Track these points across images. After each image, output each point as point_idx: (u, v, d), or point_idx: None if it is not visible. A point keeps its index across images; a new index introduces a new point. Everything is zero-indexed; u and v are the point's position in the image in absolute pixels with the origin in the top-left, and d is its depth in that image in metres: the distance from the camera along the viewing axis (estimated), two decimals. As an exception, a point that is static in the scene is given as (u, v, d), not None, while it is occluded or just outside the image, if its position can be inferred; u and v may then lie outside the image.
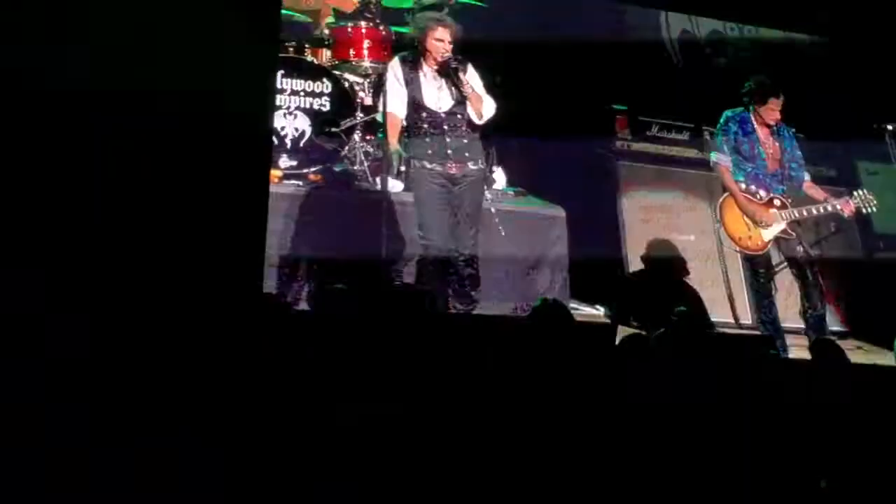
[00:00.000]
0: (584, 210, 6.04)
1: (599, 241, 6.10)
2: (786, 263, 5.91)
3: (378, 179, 5.61)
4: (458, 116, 5.21)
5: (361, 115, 5.85)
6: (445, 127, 5.18)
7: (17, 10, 4.37)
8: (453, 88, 5.19)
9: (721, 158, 5.79)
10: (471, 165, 5.23)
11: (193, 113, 4.63)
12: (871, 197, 5.74)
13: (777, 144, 5.78)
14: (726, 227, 5.87)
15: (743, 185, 5.77)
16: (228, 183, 4.57)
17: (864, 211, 5.79)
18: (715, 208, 6.03)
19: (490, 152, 6.22)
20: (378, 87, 5.90)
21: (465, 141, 5.22)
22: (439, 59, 5.14)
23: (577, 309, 5.63)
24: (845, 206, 5.73)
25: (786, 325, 5.83)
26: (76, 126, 4.31)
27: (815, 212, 5.77)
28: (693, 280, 6.09)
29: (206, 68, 4.65)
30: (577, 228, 5.91)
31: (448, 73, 5.15)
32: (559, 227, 5.88)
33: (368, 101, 5.92)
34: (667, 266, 5.86)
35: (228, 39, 4.80)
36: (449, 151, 5.16)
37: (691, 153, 6.68)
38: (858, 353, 5.78)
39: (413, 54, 5.24)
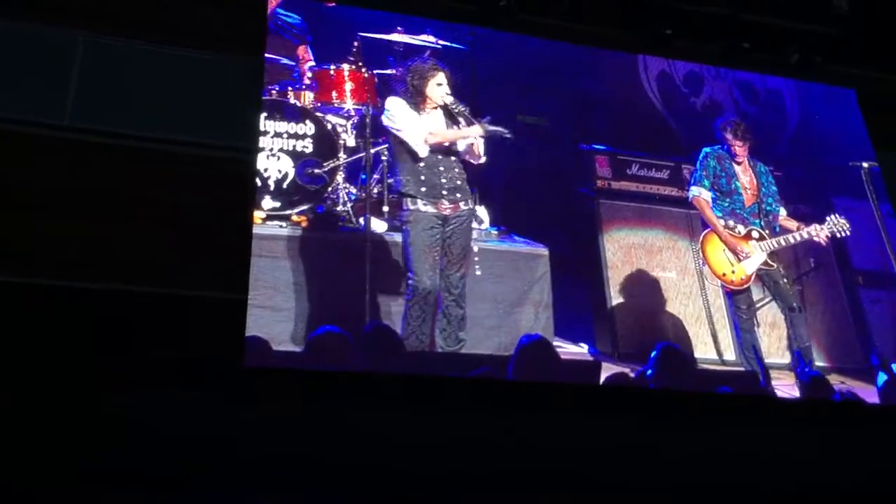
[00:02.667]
0: (566, 249, 6.08)
1: (582, 279, 6.12)
2: (769, 298, 5.96)
3: (361, 220, 5.62)
4: (453, 158, 5.37)
5: (344, 156, 5.89)
6: (441, 168, 5.32)
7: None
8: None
9: (700, 192, 5.88)
10: (462, 206, 5.36)
11: (181, 154, 4.66)
12: (843, 221, 5.84)
13: (754, 180, 5.89)
14: (709, 263, 5.92)
15: (722, 221, 5.85)
16: (213, 223, 4.57)
17: (838, 235, 5.87)
18: (696, 245, 6.09)
19: (473, 192, 6.28)
20: (361, 129, 5.96)
21: (459, 182, 5.36)
22: (441, 103, 5.34)
23: (561, 347, 5.63)
24: (819, 232, 5.81)
25: (768, 360, 5.86)
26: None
27: (792, 240, 5.87)
28: (676, 317, 6.12)
29: (193, 112, 4.69)
30: (560, 267, 5.94)
31: (451, 115, 5.34)
32: (542, 266, 5.90)
33: (351, 142, 5.97)
34: (649, 303, 5.90)
35: (215, 84, 4.85)
36: (444, 192, 5.29)
37: (672, 191, 6.74)
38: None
39: (411, 97, 5.37)
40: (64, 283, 4.20)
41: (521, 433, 4.80)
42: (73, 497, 3.81)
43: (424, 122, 5.34)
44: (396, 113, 5.37)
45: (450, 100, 5.36)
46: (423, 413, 4.70)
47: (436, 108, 5.39)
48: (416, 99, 5.35)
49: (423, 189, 5.25)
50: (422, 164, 5.30)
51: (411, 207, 5.25)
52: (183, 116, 4.62)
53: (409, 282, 5.22)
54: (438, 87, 5.36)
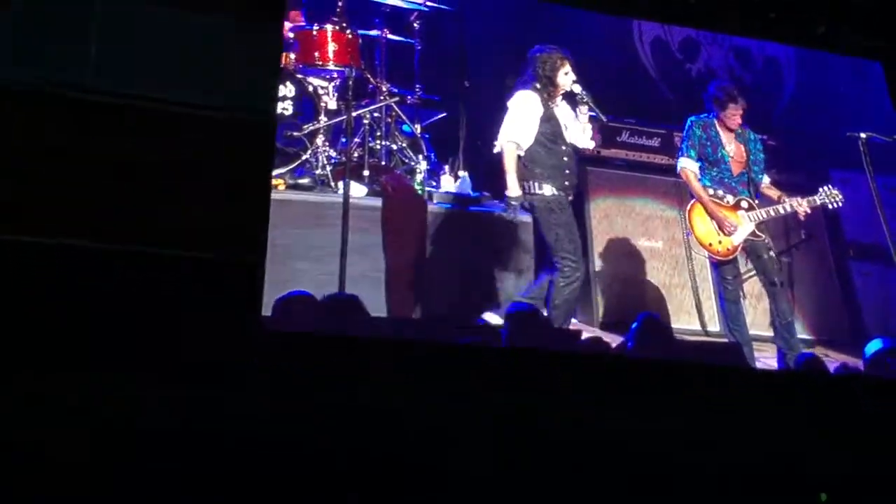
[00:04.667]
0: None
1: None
2: (755, 271, 5.85)
3: (340, 185, 5.53)
4: (573, 148, 5.42)
5: (325, 119, 5.79)
6: (575, 159, 5.42)
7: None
8: (574, 122, 5.40)
9: (687, 164, 5.73)
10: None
11: (194, 116, 4.58)
12: (836, 192, 5.68)
13: (741, 147, 5.73)
14: (696, 234, 5.80)
15: (710, 191, 5.71)
16: (231, 186, 4.49)
17: (830, 206, 5.73)
18: (683, 215, 5.97)
19: (457, 158, 6.19)
20: (343, 91, 5.85)
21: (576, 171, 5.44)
22: (569, 90, 5.37)
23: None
24: (810, 205, 5.68)
25: (753, 331, 5.77)
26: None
27: (781, 211, 5.71)
28: (661, 287, 6.03)
29: (214, 78, 4.61)
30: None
31: (576, 104, 5.39)
32: (525, 233, 5.81)
33: (332, 105, 5.86)
34: (633, 273, 5.82)
35: (236, 51, 4.76)
36: (567, 183, 5.33)
37: (662, 160, 6.63)
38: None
39: (543, 87, 5.34)
40: (68, 243, 4.13)
41: (503, 404, 4.73)
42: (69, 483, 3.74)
43: (556, 119, 5.37)
44: (521, 106, 5.35)
45: (577, 88, 5.36)
46: (409, 380, 4.63)
47: (560, 95, 5.41)
48: (549, 89, 5.35)
49: (567, 183, 5.31)
50: (567, 159, 5.34)
51: (549, 194, 5.25)
52: (199, 79, 4.54)
53: (571, 264, 5.19)
54: (566, 76, 5.36)
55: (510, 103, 5.40)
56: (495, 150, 5.40)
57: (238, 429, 4.03)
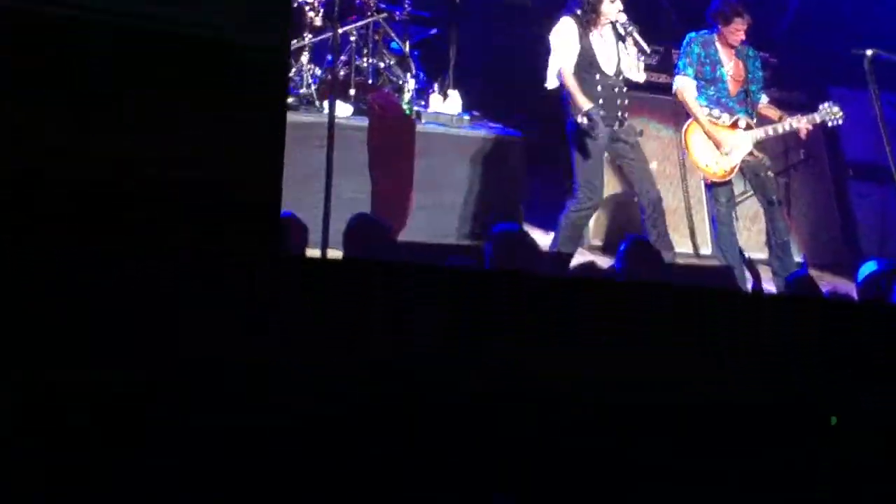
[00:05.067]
0: (541, 136, 5.88)
1: (557, 166, 5.94)
2: (750, 192, 5.76)
3: (325, 104, 5.41)
4: (621, 77, 5.37)
5: (310, 36, 5.65)
6: (616, 90, 5.33)
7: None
8: (619, 51, 5.36)
9: (684, 82, 5.58)
10: (625, 124, 5.39)
11: (210, 43, 4.46)
12: (836, 109, 5.55)
13: (740, 65, 5.57)
14: (692, 154, 5.69)
15: (707, 110, 5.58)
16: (245, 116, 4.39)
17: (829, 124, 5.61)
18: (680, 135, 5.85)
19: (446, 77, 6.06)
20: (329, 7, 5.70)
21: (627, 101, 5.40)
22: (615, 20, 5.29)
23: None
24: (810, 122, 5.55)
25: (747, 254, 5.69)
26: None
27: (780, 130, 5.60)
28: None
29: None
30: (534, 155, 5.77)
31: (622, 35, 5.32)
32: (516, 153, 5.74)
33: (318, 22, 5.71)
34: (624, 194, 5.73)
35: None
36: (618, 113, 5.31)
37: (660, 78, 6.45)
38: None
39: (584, 14, 5.27)
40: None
41: (482, 332, 4.69)
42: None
43: (591, 46, 5.31)
44: (559, 34, 5.31)
45: (623, 17, 5.28)
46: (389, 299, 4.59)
47: (606, 24, 5.33)
48: (590, 16, 5.27)
49: (602, 113, 5.24)
50: (601, 88, 5.30)
51: (587, 124, 5.21)
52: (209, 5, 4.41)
53: (587, 193, 5.22)
54: (612, 4, 5.27)
55: (551, 35, 5.34)
56: (547, 85, 5.35)
57: (237, 424, 4.02)
